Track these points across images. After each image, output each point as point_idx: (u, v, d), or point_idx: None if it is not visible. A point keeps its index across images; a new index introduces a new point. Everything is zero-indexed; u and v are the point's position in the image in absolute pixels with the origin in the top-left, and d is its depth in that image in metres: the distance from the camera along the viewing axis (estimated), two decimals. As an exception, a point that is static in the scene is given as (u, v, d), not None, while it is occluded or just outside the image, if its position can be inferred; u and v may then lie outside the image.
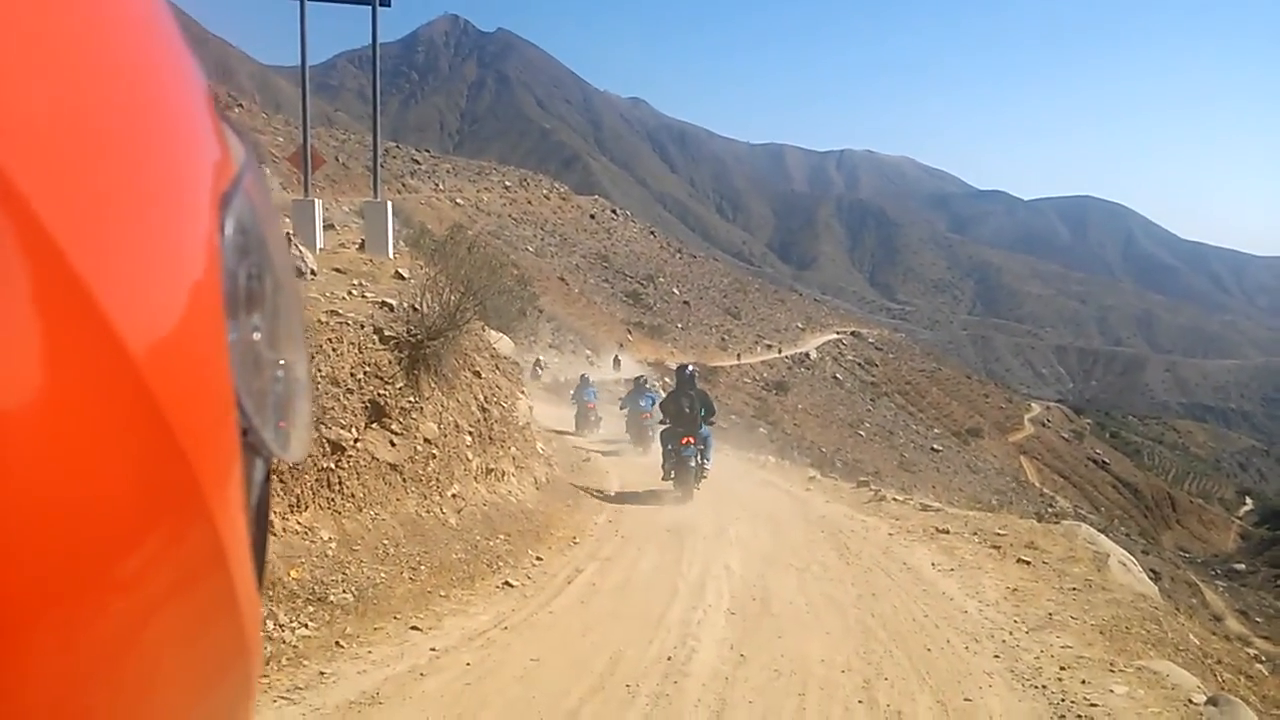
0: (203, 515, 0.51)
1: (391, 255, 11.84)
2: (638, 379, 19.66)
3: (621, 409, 19.04)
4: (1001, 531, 9.86)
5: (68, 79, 0.44)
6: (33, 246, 0.39)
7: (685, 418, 11.14)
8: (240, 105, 59.76)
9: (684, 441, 10.96)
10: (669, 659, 5.35)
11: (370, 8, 12.31)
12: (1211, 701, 5.18)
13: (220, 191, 0.57)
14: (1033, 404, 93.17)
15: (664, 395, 13.14)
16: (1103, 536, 10.31)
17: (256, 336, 0.61)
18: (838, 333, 79.95)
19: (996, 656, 5.82)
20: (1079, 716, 4.86)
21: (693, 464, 10.97)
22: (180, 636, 0.51)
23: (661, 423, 11.64)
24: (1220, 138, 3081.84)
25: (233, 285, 0.57)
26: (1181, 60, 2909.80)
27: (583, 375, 21.60)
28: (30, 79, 0.40)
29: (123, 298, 0.44)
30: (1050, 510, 25.38)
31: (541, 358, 33.85)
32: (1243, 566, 59.37)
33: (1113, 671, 5.57)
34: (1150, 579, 9.87)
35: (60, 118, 0.43)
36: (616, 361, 37.27)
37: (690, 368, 12.26)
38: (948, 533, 9.89)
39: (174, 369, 0.48)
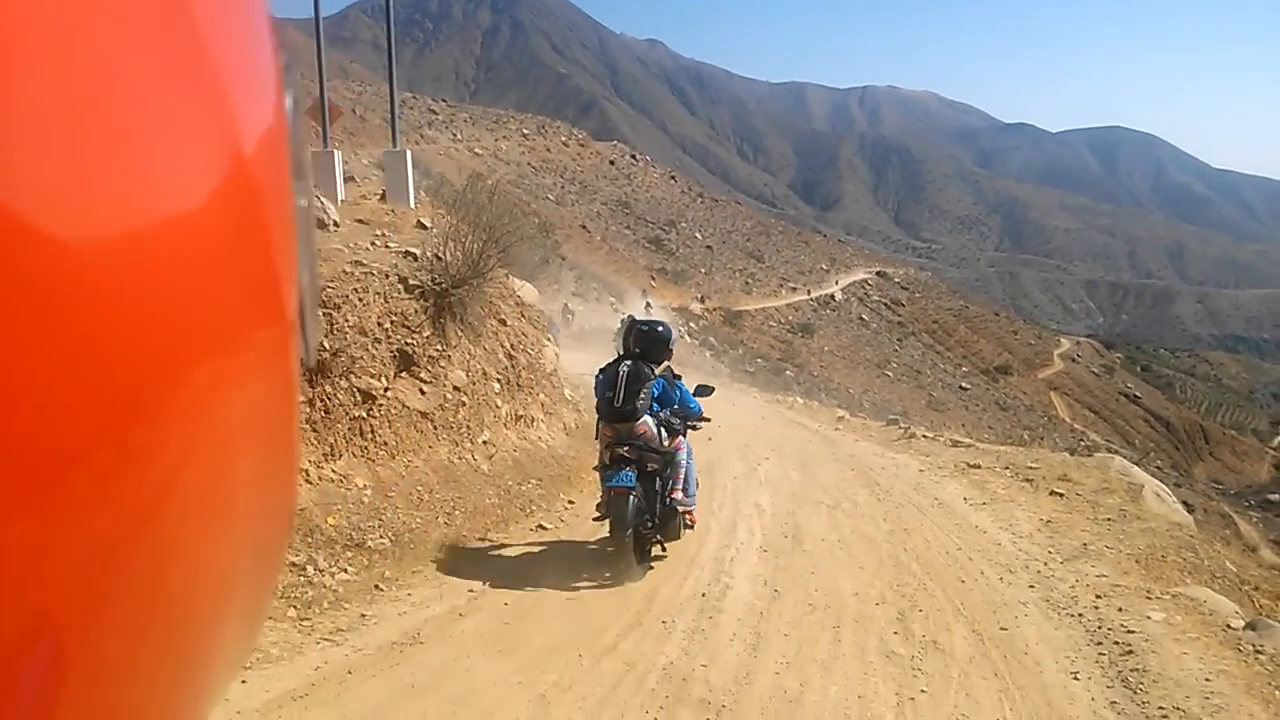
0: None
1: (413, 205, 11.77)
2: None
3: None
4: (1034, 465, 9.83)
5: None
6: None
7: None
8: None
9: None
10: (703, 595, 5.40)
11: (382, -47, 12.12)
12: (1250, 626, 5.16)
13: (281, 66, 0.62)
14: (1062, 339, 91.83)
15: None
16: (1136, 468, 10.26)
17: (304, 204, 0.66)
18: (864, 273, 79.02)
19: (1031, 587, 5.82)
20: (1116, 643, 4.86)
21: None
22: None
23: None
24: (1252, 63, 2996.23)
25: (298, 149, 0.63)
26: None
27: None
28: None
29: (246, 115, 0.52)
30: (1083, 444, 25.18)
31: (568, 303, 33.83)
32: (1277, 497, 58.75)
33: (1149, 599, 5.56)
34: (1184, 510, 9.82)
35: None
36: (648, 307, 36.25)
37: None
38: (979, 468, 9.87)
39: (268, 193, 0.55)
